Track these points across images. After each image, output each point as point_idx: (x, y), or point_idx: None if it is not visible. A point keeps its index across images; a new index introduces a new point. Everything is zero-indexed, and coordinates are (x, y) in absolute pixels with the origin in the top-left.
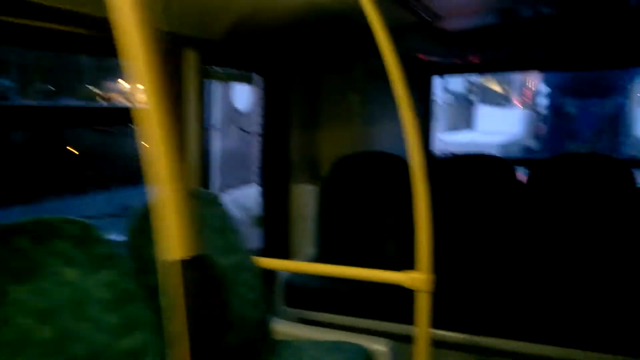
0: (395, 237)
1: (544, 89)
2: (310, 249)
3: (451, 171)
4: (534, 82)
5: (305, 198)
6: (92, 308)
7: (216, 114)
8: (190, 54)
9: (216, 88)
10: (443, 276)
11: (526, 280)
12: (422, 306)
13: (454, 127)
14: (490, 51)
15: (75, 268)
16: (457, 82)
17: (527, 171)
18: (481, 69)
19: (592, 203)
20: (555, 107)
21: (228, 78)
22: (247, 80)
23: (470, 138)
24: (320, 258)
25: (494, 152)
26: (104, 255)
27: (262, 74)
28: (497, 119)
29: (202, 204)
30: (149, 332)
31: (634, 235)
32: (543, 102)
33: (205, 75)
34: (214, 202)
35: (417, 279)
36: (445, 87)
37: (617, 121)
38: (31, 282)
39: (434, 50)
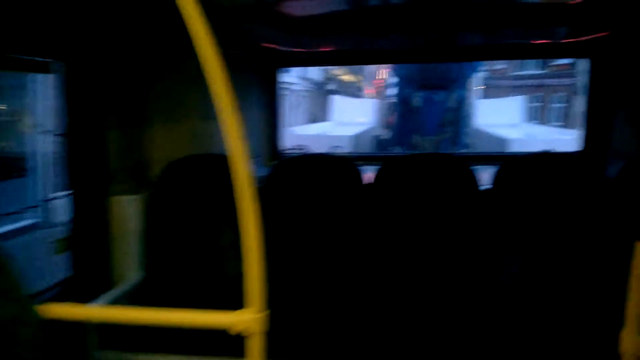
0: (237, 253)
1: (394, 80)
2: (135, 272)
3: (291, 176)
4: (385, 72)
5: (127, 211)
6: None
7: (44, 113)
8: None
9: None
10: (278, 302)
11: (368, 296)
12: (254, 349)
13: (313, 117)
14: (339, 41)
15: None
16: (315, 71)
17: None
18: (330, 61)
19: (436, 207)
20: (403, 99)
21: (13, 67)
22: (43, 69)
23: (324, 130)
24: (148, 283)
25: (345, 143)
26: None
27: (61, 60)
28: (352, 110)
29: None
30: None
31: (480, 240)
32: (393, 93)
33: None
34: None
35: (246, 320)
36: (304, 77)
37: (459, 113)
38: None
39: (279, 39)
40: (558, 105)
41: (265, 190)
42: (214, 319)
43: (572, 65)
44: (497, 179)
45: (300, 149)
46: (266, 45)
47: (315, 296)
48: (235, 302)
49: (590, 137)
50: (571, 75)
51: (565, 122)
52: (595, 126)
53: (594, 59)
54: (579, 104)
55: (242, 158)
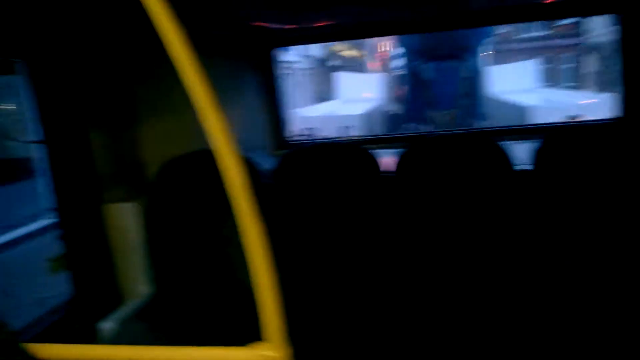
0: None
1: (400, 52)
2: (144, 286)
3: (301, 170)
4: (389, 45)
5: (125, 220)
6: None
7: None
8: None
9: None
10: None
11: (404, 308)
12: None
13: (319, 97)
14: (336, 14)
15: None
16: (315, 48)
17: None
18: (329, 37)
19: (473, 196)
20: (413, 71)
21: None
22: (5, 69)
23: (331, 109)
24: (159, 296)
25: (355, 122)
26: None
27: (19, 58)
28: (357, 86)
29: None
30: None
31: (525, 232)
32: (400, 65)
33: None
34: None
35: (265, 357)
36: (305, 54)
37: (474, 82)
38: None
39: (270, 16)
40: (567, 66)
41: (273, 188)
42: (223, 356)
43: (577, 24)
44: (539, 157)
45: (308, 134)
46: (256, 24)
47: (345, 317)
48: (252, 313)
49: (629, 102)
50: (577, 35)
51: (576, 83)
52: (633, 89)
53: (624, 14)
54: (589, 64)
55: (231, 155)
